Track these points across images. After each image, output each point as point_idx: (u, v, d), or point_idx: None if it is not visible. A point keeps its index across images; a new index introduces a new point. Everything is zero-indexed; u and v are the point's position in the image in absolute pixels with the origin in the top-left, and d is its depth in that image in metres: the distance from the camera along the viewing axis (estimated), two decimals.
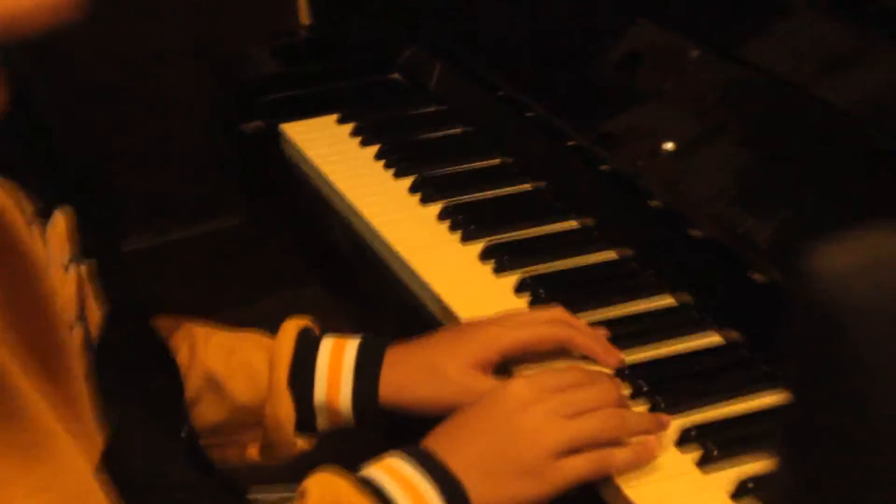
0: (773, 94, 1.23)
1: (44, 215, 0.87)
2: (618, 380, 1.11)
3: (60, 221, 0.91)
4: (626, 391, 1.12)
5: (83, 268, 0.94)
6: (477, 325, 1.18)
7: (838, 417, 0.48)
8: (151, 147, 2.50)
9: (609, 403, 1.06)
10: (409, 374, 1.15)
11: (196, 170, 2.53)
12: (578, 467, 1.01)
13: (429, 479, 0.98)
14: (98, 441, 0.87)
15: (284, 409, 1.16)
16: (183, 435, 1.13)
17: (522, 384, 1.05)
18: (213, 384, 1.19)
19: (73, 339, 0.89)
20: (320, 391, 1.17)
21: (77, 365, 0.85)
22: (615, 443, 1.04)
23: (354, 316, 2.06)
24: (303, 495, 0.97)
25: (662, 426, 1.06)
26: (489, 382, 1.13)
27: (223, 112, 1.93)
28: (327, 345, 1.19)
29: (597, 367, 1.14)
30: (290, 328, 1.20)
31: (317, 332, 1.22)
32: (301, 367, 1.17)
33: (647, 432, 1.05)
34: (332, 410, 1.17)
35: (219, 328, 1.24)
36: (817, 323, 0.49)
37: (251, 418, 1.19)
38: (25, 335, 0.80)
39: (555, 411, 1.03)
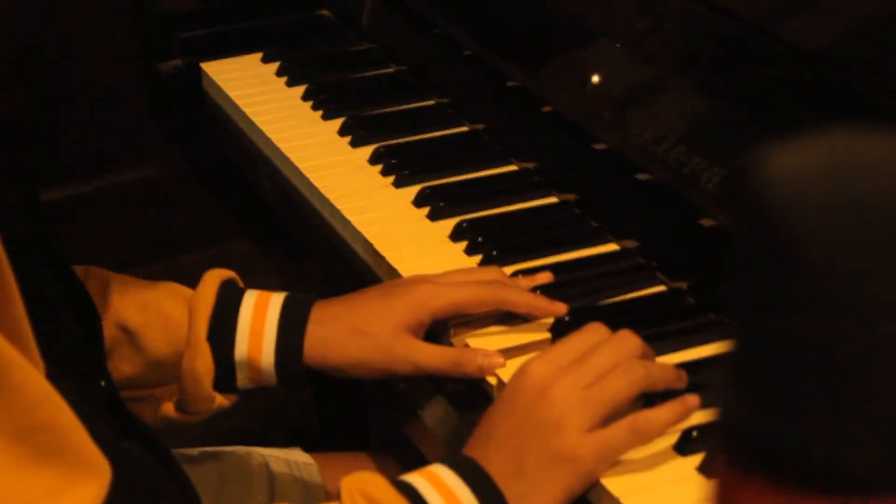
0: (725, 29, 1.22)
1: None
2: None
3: None
4: None
5: None
6: (409, 282, 1.17)
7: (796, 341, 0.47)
8: (55, 90, 2.46)
9: (631, 355, 1.04)
10: (337, 333, 1.14)
11: (106, 113, 2.50)
12: (614, 438, 1.00)
13: (466, 483, 0.97)
14: (41, 367, 0.87)
15: (203, 362, 1.15)
16: (103, 384, 1.11)
17: (537, 366, 1.02)
18: (128, 335, 1.18)
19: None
20: (241, 345, 1.16)
21: (14, 289, 0.84)
22: (647, 401, 1.02)
23: (282, 270, 2.06)
24: (338, 493, 0.97)
25: (683, 379, 1.05)
26: (419, 346, 1.13)
27: (134, 49, 1.90)
28: (251, 298, 1.17)
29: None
30: (212, 278, 1.19)
31: (240, 285, 1.21)
32: (222, 319, 1.16)
33: (671, 382, 1.04)
34: (253, 367, 1.16)
35: (134, 278, 1.23)
36: (769, 236, 0.47)
37: (167, 372, 1.18)
38: None
39: (574, 385, 1.01)
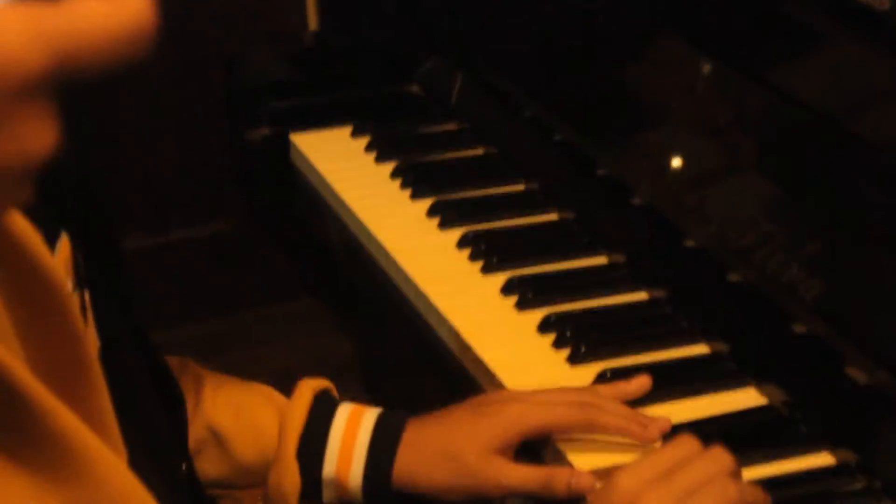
0: (835, 140, 1.23)
1: (47, 241, 0.87)
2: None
3: (65, 247, 0.91)
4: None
5: (85, 294, 0.94)
6: (499, 401, 1.17)
7: None
8: (147, 150, 2.50)
9: (724, 472, 1.04)
10: (426, 457, 1.15)
11: (193, 176, 2.53)
12: None
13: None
14: (124, 457, 0.88)
15: (290, 479, 1.16)
16: (184, 468, 1.12)
17: (625, 479, 1.02)
18: (217, 439, 1.19)
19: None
20: (330, 465, 1.16)
21: (101, 380, 0.86)
22: None
23: (355, 337, 2.07)
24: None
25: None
26: (508, 468, 1.13)
27: (223, 116, 1.92)
28: (343, 414, 1.18)
29: None
30: (306, 391, 1.19)
31: (334, 393, 1.21)
32: (313, 436, 1.17)
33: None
34: (340, 486, 1.16)
35: (228, 378, 1.23)
36: None
37: (253, 478, 1.19)
38: (56, 357, 0.80)
39: (664, 500, 1.01)
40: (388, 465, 1.15)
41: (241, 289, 2.58)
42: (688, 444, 1.06)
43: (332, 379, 1.24)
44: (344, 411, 1.18)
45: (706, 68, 1.39)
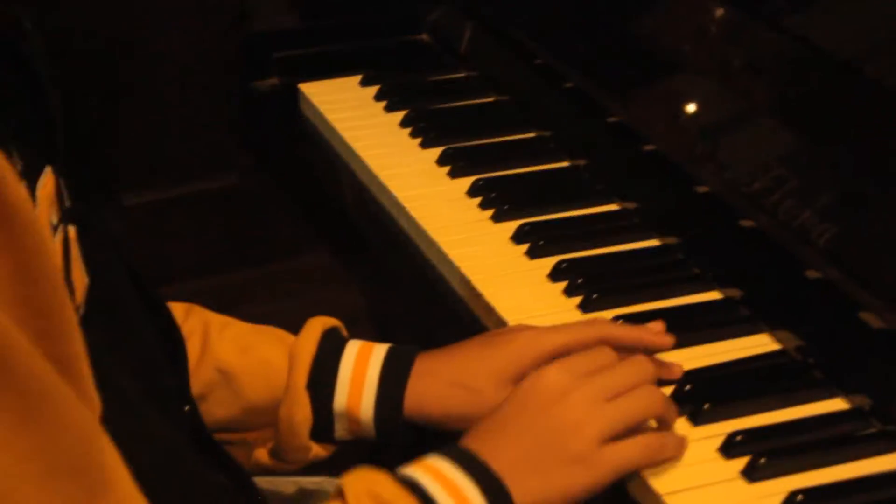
0: (848, 83, 1.22)
1: (28, 175, 0.87)
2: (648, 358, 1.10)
3: (49, 181, 0.90)
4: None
5: (70, 230, 0.94)
6: (509, 331, 1.17)
7: None
8: (151, 100, 2.49)
9: (647, 379, 1.07)
10: (439, 387, 1.14)
11: (199, 125, 2.52)
12: (627, 454, 1.02)
13: (472, 480, 0.98)
14: (97, 405, 0.87)
15: (301, 412, 1.15)
16: (187, 409, 1.12)
17: (556, 372, 1.05)
18: (226, 379, 1.18)
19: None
20: (341, 397, 1.16)
21: (74, 325, 0.85)
22: (663, 424, 1.05)
23: (366, 288, 2.06)
24: (340, 493, 0.97)
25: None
26: None
27: (232, 67, 1.92)
28: (353, 348, 1.18)
29: None
30: (316, 326, 1.19)
31: (344, 333, 1.21)
32: (323, 369, 1.16)
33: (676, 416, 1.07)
34: (352, 419, 1.16)
35: (235, 320, 1.23)
36: None
37: (263, 418, 1.18)
38: (26, 296, 0.79)
39: (594, 396, 1.03)
40: (400, 395, 1.14)
41: (250, 243, 2.57)
42: (607, 352, 1.08)
43: (347, 329, 1.24)
44: (354, 345, 1.18)
45: (718, 12, 1.38)
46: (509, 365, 1.13)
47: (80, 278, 0.94)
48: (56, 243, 0.89)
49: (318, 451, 1.18)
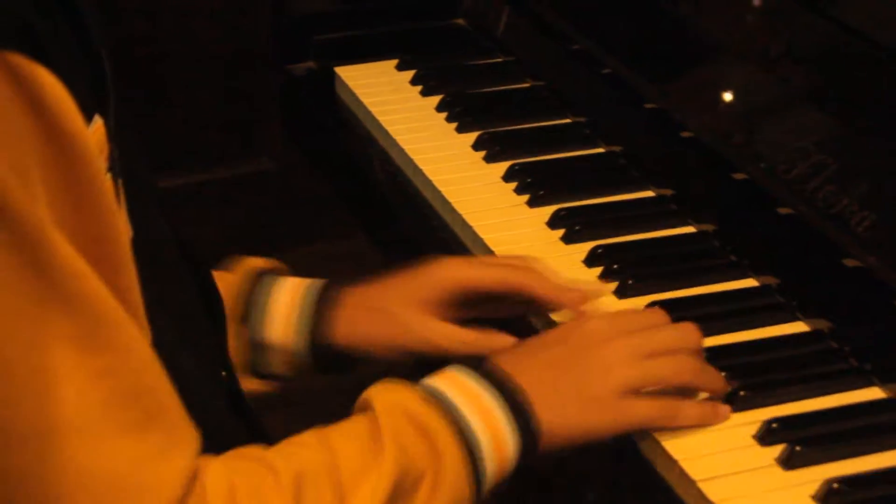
0: (890, 68, 1.22)
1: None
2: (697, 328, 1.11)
3: (99, 128, 0.92)
4: None
5: (119, 181, 0.95)
6: (434, 259, 1.18)
7: None
8: (184, 82, 2.50)
9: (688, 347, 1.08)
10: (362, 314, 1.17)
11: (232, 109, 2.53)
12: (644, 409, 1.05)
13: (493, 392, 1.01)
14: (148, 334, 0.91)
15: (231, 343, 1.18)
16: (224, 375, 1.14)
17: (601, 321, 1.08)
18: None
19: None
20: (270, 328, 1.19)
21: (129, 256, 0.88)
22: (686, 393, 1.07)
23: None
24: (366, 406, 0.99)
25: (725, 390, 1.08)
26: (438, 325, 1.15)
27: (268, 51, 1.92)
28: (284, 284, 1.21)
29: None
30: (250, 265, 1.22)
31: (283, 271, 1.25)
32: (254, 304, 1.19)
33: (717, 391, 1.08)
34: (285, 350, 1.18)
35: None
36: None
37: None
38: (85, 224, 0.83)
39: (630, 349, 1.06)
40: (327, 320, 1.17)
41: (285, 227, 2.59)
42: (659, 314, 1.11)
43: None
44: (285, 281, 1.20)
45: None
46: (430, 291, 1.15)
47: (126, 230, 0.96)
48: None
49: (257, 385, 1.21)
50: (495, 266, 1.18)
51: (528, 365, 1.04)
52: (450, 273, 1.16)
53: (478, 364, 1.04)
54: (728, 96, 1.39)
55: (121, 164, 0.95)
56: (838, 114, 1.25)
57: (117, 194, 0.94)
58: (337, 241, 2.45)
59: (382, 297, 1.17)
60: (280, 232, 2.58)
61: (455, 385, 1.01)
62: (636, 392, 1.05)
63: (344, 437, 0.96)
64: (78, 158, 0.82)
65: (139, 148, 1.07)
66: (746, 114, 1.35)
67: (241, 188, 2.60)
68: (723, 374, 1.11)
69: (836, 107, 1.25)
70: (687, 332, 1.09)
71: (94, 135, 0.90)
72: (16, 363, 0.80)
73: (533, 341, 1.08)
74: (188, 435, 0.88)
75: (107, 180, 0.90)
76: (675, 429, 1.05)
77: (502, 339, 1.14)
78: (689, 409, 1.06)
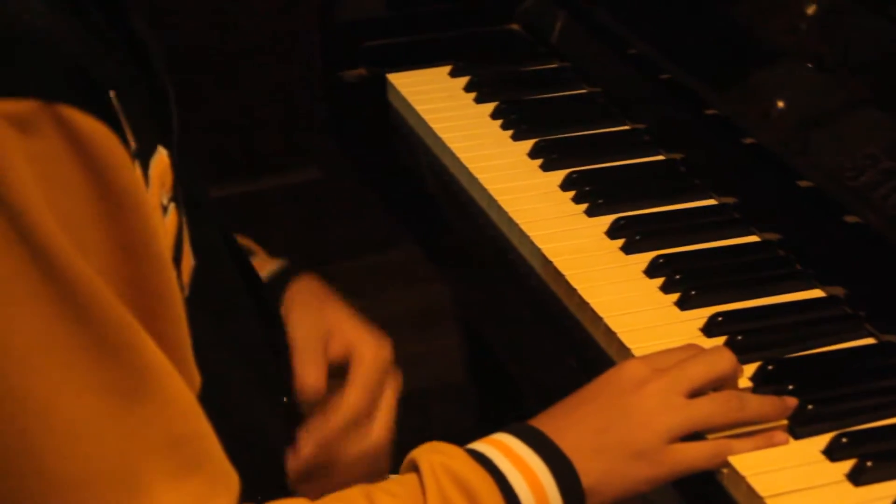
0: None
1: (142, 156, 0.89)
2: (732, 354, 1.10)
3: (162, 160, 0.92)
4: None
5: (182, 212, 0.96)
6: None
7: None
8: (236, 90, 2.51)
9: (724, 374, 1.07)
10: (303, 296, 1.21)
11: (282, 116, 2.54)
12: (693, 455, 1.04)
13: (540, 457, 1.01)
14: (196, 381, 0.92)
15: None
16: (285, 400, 1.14)
17: (637, 364, 1.07)
18: None
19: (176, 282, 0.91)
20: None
21: (180, 306, 0.89)
22: (736, 426, 1.06)
23: (452, 284, 2.07)
24: (412, 465, 0.99)
25: (787, 410, 1.07)
26: (300, 332, 1.18)
27: (316, 54, 1.93)
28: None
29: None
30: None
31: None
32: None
33: (768, 418, 1.07)
34: None
35: None
36: None
37: None
38: (134, 276, 0.84)
39: (670, 390, 1.05)
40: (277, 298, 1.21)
41: (336, 238, 2.59)
42: (692, 347, 1.10)
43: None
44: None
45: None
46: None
47: (188, 259, 0.97)
48: (168, 223, 0.92)
49: None
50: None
51: (569, 424, 1.04)
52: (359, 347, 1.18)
53: (521, 426, 1.03)
54: (791, 101, 1.38)
55: (184, 190, 0.97)
56: None
57: (181, 225, 0.95)
58: (388, 252, 2.46)
59: (324, 294, 1.21)
60: (329, 243, 2.58)
61: (500, 448, 1.01)
62: (682, 438, 1.04)
63: (388, 494, 0.96)
64: (130, 212, 0.83)
65: (197, 170, 1.08)
66: (811, 119, 1.34)
67: (289, 198, 2.61)
68: (790, 386, 1.10)
69: None
70: (719, 358, 1.08)
71: (156, 167, 0.91)
72: (53, 411, 0.81)
73: (571, 399, 1.06)
74: (230, 483, 0.89)
75: (166, 221, 0.91)
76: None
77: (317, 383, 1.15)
78: (741, 446, 1.05)
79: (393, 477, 1.02)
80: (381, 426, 1.17)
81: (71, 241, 0.80)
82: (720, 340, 1.17)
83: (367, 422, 1.16)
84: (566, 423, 1.04)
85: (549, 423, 1.04)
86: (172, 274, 0.88)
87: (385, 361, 1.19)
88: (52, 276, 0.80)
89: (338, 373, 1.18)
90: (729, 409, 1.06)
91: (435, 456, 0.99)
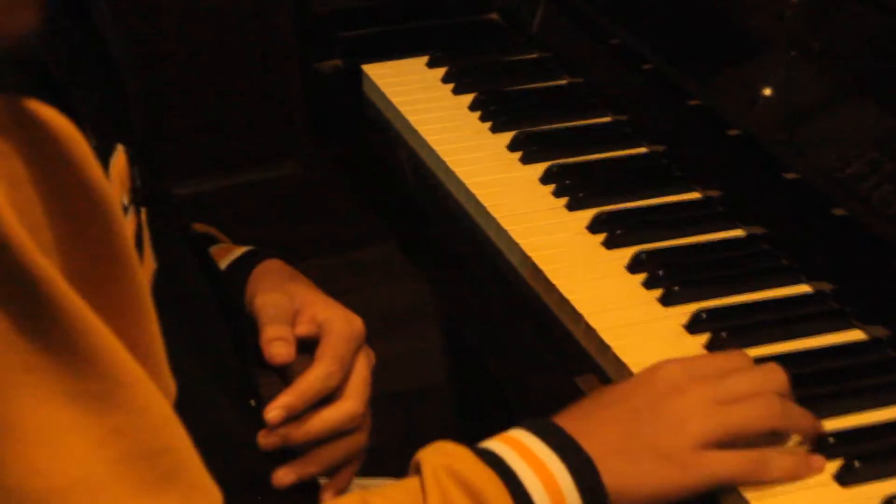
0: None
1: (102, 154, 0.87)
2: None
3: (121, 160, 0.91)
4: None
5: (143, 211, 0.95)
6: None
7: None
8: (210, 83, 2.50)
9: (773, 388, 1.03)
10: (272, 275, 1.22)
11: (257, 110, 2.53)
12: (727, 464, 1.00)
13: (557, 454, 0.97)
14: (172, 389, 0.90)
15: None
16: (253, 404, 1.13)
17: (675, 366, 1.03)
18: None
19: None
20: None
21: (151, 310, 0.87)
22: (774, 441, 1.02)
23: (430, 279, 2.06)
24: (417, 467, 0.97)
25: (816, 430, 1.04)
26: (266, 302, 1.19)
27: (290, 47, 1.92)
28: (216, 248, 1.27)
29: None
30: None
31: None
32: None
33: (808, 431, 1.04)
34: None
35: None
36: None
37: None
38: (101, 277, 0.82)
39: (707, 396, 1.01)
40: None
41: (312, 233, 2.58)
42: (741, 357, 1.06)
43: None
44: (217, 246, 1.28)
45: None
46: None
47: (149, 262, 0.95)
48: (128, 224, 0.90)
49: None
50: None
51: (596, 423, 1.00)
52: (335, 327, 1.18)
53: (537, 420, 1.00)
54: (776, 91, 1.37)
55: (143, 192, 0.95)
56: (893, 108, 1.23)
57: (140, 226, 0.94)
58: (366, 248, 2.44)
59: (291, 274, 1.23)
60: (307, 239, 2.57)
61: (511, 444, 0.98)
62: (718, 444, 1.00)
63: (386, 499, 0.94)
64: (96, 209, 0.81)
65: (160, 169, 1.07)
66: (796, 110, 1.33)
67: (266, 193, 2.59)
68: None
69: (892, 100, 1.23)
70: (770, 374, 1.04)
71: (115, 166, 0.89)
72: (17, 420, 0.79)
73: (598, 397, 1.03)
74: (209, 495, 0.86)
75: (127, 220, 0.89)
76: (764, 483, 1.00)
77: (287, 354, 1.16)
78: (778, 461, 1.00)
79: (395, 482, 0.99)
80: (352, 398, 1.15)
81: (33, 239, 0.78)
82: (704, 337, 1.16)
83: (338, 395, 1.15)
84: (591, 422, 1.00)
85: (571, 421, 1.00)
86: (141, 276, 0.86)
87: (356, 334, 1.18)
88: (12, 276, 0.78)
89: (307, 350, 1.17)
90: (772, 415, 1.02)
91: (438, 457, 0.96)
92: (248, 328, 1.18)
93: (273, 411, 1.11)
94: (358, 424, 1.17)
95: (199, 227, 1.28)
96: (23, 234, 0.78)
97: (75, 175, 0.80)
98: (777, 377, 1.04)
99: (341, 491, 1.18)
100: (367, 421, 1.19)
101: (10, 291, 0.78)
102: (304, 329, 1.17)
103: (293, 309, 1.18)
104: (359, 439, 1.16)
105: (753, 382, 1.03)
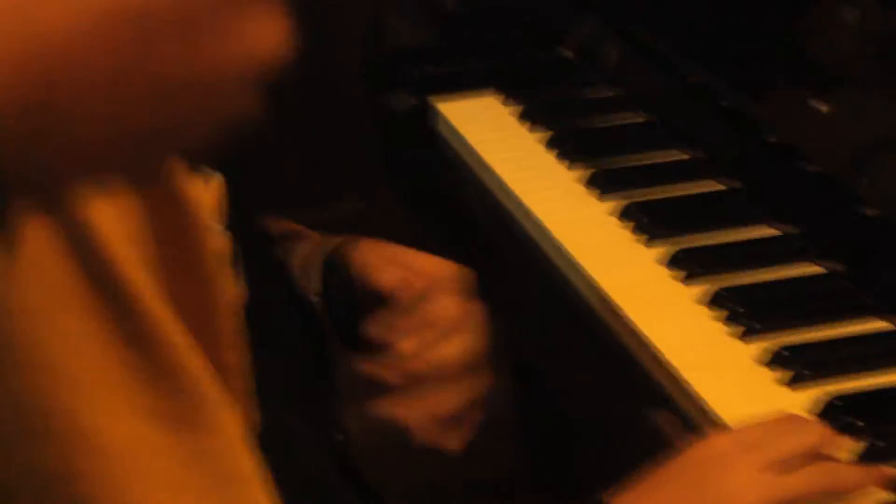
0: None
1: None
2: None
3: (215, 188, 0.94)
4: None
5: (228, 240, 0.97)
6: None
7: None
8: (278, 125, 2.53)
9: (817, 449, 1.07)
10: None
11: (322, 146, 2.56)
12: None
13: None
14: (254, 418, 0.91)
15: None
16: (339, 437, 1.16)
17: (723, 439, 1.06)
18: None
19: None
20: None
21: (238, 333, 0.89)
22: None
23: (503, 321, 2.09)
24: None
25: (883, 479, 1.06)
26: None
27: (362, 85, 1.94)
28: None
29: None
30: None
31: None
32: None
33: (860, 487, 1.06)
34: None
35: None
36: None
37: None
38: (193, 299, 0.83)
39: (759, 464, 1.03)
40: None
41: None
42: (793, 421, 1.09)
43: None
44: None
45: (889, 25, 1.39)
46: None
47: (239, 289, 0.98)
48: (221, 249, 0.93)
49: None
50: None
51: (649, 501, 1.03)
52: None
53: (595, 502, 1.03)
54: (855, 128, 1.40)
55: (235, 220, 0.98)
56: None
57: (232, 252, 0.97)
58: None
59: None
60: None
61: None
62: None
63: None
64: (189, 229, 0.82)
65: (253, 198, 1.10)
66: (875, 146, 1.36)
67: (332, 231, 2.63)
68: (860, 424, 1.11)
69: None
70: (814, 434, 1.08)
71: (211, 192, 0.92)
72: (95, 434, 0.79)
73: (650, 479, 1.05)
74: None
75: (221, 244, 0.92)
76: None
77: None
78: None
79: None
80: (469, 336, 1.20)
81: (128, 253, 0.79)
82: (785, 374, 1.19)
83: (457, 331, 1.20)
84: (647, 500, 1.03)
85: (629, 500, 1.03)
86: (233, 299, 0.90)
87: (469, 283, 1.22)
88: (106, 290, 0.78)
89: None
90: (824, 483, 1.04)
91: None
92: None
93: (406, 344, 1.20)
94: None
95: (284, 224, 1.30)
96: (125, 249, 0.79)
97: (172, 194, 0.82)
98: (819, 435, 1.07)
99: None
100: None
101: (101, 305, 0.78)
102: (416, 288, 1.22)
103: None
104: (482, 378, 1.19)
105: (800, 446, 1.06)
